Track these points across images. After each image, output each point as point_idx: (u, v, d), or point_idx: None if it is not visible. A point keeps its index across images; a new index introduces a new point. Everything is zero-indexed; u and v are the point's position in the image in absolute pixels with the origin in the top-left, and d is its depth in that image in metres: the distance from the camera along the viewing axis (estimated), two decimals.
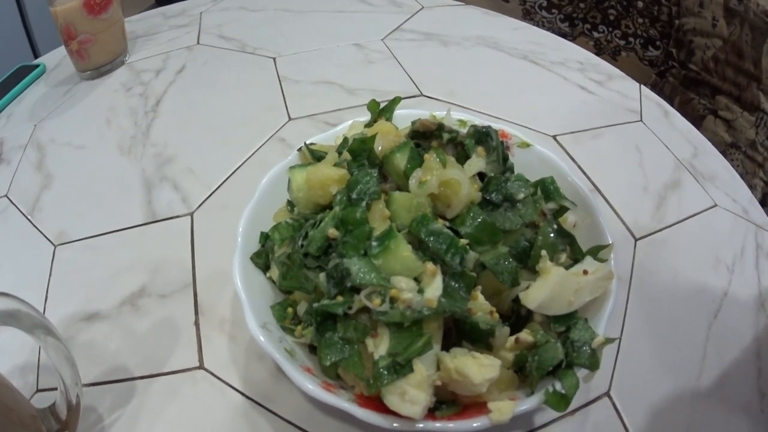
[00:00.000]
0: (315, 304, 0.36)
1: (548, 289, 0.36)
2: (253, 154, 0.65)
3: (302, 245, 0.39)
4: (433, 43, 0.82)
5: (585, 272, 0.38)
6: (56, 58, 0.90)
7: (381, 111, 0.51)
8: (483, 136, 0.45)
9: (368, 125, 0.50)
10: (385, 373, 0.33)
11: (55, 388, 0.39)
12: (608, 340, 0.36)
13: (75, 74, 0.84)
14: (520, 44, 0.80)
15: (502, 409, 0.33)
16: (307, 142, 0.49)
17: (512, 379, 0.37)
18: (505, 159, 0.45)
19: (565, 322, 0.37)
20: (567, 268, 0.39)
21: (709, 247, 0.53)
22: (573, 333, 0.36)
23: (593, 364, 0.36)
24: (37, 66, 0.87)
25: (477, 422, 0.33)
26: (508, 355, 0.36)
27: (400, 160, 0.42)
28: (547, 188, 0.43)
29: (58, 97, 0.80)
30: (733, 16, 0.97)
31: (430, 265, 0.36)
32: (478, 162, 0.43)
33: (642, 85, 0.73)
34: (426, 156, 0.41)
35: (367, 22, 0.88)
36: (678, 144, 0.64)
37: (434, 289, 0.35)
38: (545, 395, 0.34)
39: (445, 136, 0.45)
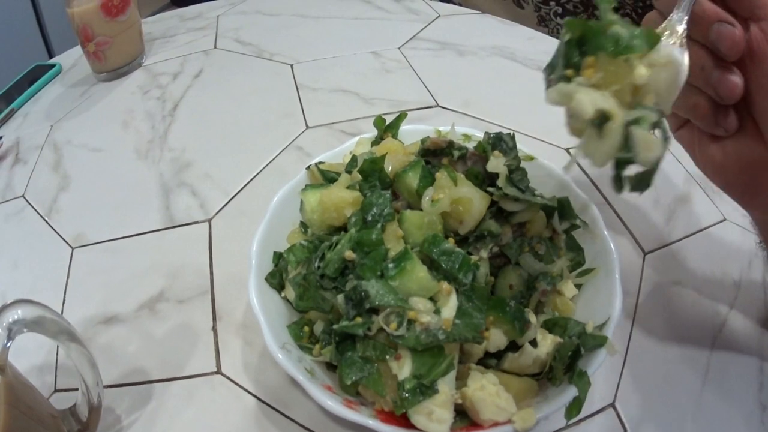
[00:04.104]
0: (335, 326, 0.37)
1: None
2: (271, 161, 0.65)
3: (319, 266, 0.40)
4: (449, 53, 0.82)
5: None
6: (72, 58, 0.90)
7: (387, 127, 0.52)
8: (497, 140, 0.46)
9: (375, 142, 0.51)
10: (410, 396, 0.34)
11: (74, 389, 0.39)
12: (598, 328, 0.39)
13: (91, 75, 0.84)
14: (535, 55, 0.80)
15: (525, 417, 0.34)
16: (316, 161, 0.50)
17: (530, 388, 0.38)
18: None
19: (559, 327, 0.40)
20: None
21: (717, 261, 0.54)
22: (568, 330, 0.39)
23: (604, 325, 0.38)
24: (53, 66, 0.87)
25: None
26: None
27: (413, 179, 0.43)
28: (563, 208, 0.45)
29: (75, 98, 0.81)
30: None
31: (445, 285, 0.37)
32: (498, 162, 0.44)
33: None
34: (437, 174, 0.42)
35: (384, 29, 0.88)
36: (689, 158, 0.65)
37: (450, 308, 0.36)
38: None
39: (455, 153, 0.46)
